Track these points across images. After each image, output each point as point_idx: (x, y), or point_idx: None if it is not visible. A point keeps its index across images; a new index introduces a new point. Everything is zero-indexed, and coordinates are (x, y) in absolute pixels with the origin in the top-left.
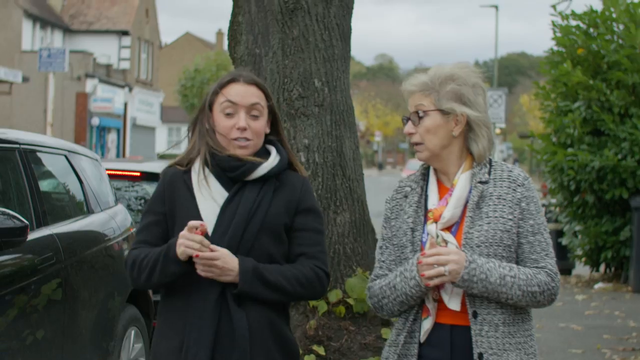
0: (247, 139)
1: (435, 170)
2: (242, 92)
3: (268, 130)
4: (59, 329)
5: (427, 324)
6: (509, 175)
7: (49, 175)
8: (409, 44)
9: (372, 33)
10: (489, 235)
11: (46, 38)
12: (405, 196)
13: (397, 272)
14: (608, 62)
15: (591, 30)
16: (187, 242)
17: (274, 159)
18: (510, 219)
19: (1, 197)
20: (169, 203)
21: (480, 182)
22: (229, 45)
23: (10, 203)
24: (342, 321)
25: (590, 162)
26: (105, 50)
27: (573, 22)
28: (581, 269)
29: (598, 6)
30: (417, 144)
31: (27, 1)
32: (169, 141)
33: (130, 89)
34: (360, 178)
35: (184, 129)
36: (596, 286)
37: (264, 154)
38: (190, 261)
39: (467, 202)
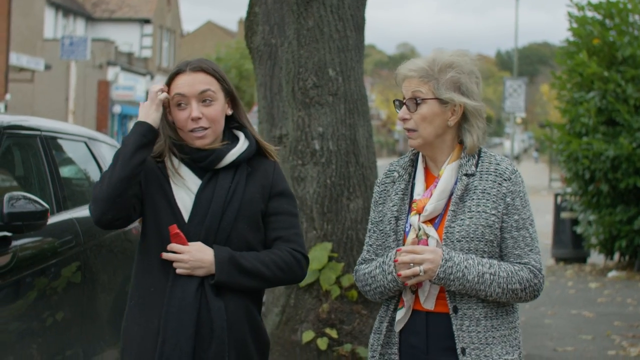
0: (204, 128)
1: (424, 157)
2: (189, 82)
3: (230, 112)
4: (78, 311)
5: (400, 314)
6: (496, 169)
7: (69, 161)
8: (429, 33)
9: (393, 22)
10: (470, 230)
11: (68, 26)
12: (393, 182)
13: (378, 263)
14: (624, 54)
15: (607, 21)
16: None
17: (242, 145)
18: (493, 214)
19: (23, 182)
20: (145, 186)
21: (466, 175)
22: (246, 35)
23: (31, 188)
24: (354, 305)
25: (605, 150)
26: (127, 38)
27: (589, 13)
28: (596, 257)
29: None
30: (410, 130)
31: None
32: None
33: (152, 77)
34: (373, 165)
35: None
36: (610, 274)
37: (232, 139)
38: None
39: (452, 194)
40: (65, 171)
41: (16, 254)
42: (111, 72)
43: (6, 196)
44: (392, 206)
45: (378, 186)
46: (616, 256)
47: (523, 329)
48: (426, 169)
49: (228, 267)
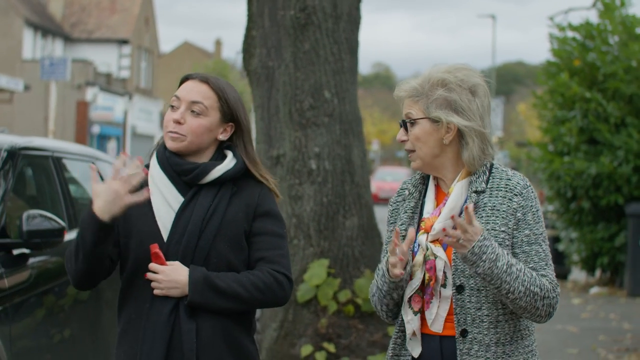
0: (180, 134)
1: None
2: (188, 88)
3: (223, 138)
4: (86, 327)
5: (411, 342)
6: (507, 184)
7: (77, 180)
8: (405, 52)
9: (368, 41)
10: None
11: (47, 46)
12: (404, 200)
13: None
14: (604, 73)
15: (587, 42)
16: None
17: (229, 162)
18: (503, 231)
19: (38, 201)
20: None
21: (476, 192)
22: (244, 58)
23: (45, 206)
24: (351, 320)
25: (587, 169)
26: (105, 58)
27: (570, 34)
28: (577, 274)
29: (594, 19)
30: (409, 151)
31: (28, 10)
32: None
33: (130, 97)
34: (367, 184)
35: None
36: (592, 291)
37: (220, 158)
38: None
39: (461, 212)
40: (74, 190)
41: (34, 270)
42: (90, 93)
43: (25, 214)
44: (401, 225)
45: (391, 205)
46: (597, 273)
47: None
48: (437, 187)
49: (202, 287)
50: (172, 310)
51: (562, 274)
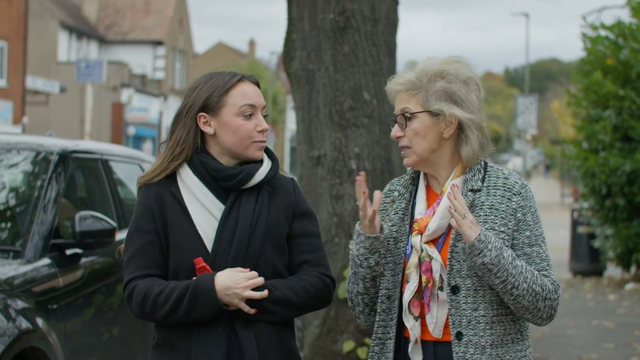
0: (264, 141)
1: (425, 174)
2: (257, 93)
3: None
4: (135, 325)
5: (413, 350)
6: (504, 183)
7: (125, 182)
8: (436, 50)
9: (400, 40)
10: None
11: (82, 49)
12: (393, 201)
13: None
14: (638, 71)
15: (620, 40)
16: (246, 293)
17: (268, 163)
18: (502, 231)
19: (88, 202)
20: (159, 219)
21: (472, 191)
22: (284, 60)
23: (96, 207)
24: None
25: (621, 165)
26: (140, 60)
27: (603, 33)
28: (613, 271)
29: (626, 18)
30: (405, 147)
31: (63, 12)
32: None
33: (165, 98)
34: None
35: None
36: (627, 287)
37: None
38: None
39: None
40: (122, 191)
41: (86, 270)
42: (125, 94)
43: (77, 216)
44: (392, 226)
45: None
46: (633, 269)
47: (547, 339)
48: (428, 187)
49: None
50: (227, 319)
51: (597, 271)
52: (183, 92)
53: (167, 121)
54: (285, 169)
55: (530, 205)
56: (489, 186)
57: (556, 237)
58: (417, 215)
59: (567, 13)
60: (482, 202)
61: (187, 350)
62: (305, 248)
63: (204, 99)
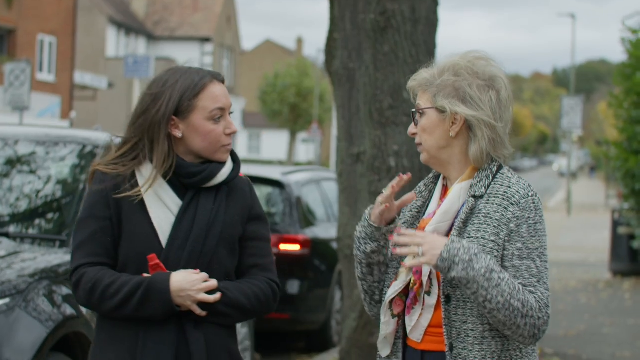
0: (230, 143)
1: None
2: (225, 93)
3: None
4: None
5: (379, 340)
6: (505, 192)
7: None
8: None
9: (448, 40)
10: None
11: (130, 45)
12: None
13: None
14: None
15: None
16: (200, 296)
17: (230, 164)
18: (492, 240)
19: None
20: (115, 207)
21: (474, 197)
22: (326, 59)
23: None
24: None
25: None
26: (188, 56)
27: None
28: None
29: None
30: (418, 144)
31: (112, 8)
32: (249, 146)
33: None
34: None
35: (265, 134)
36: None
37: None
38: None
39: (457, 216)
40: None
41: None
42: None
43: None
44: (403, 223)
45: None
46: None
47: (583, 337)
48: (444, 187)
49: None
50: (177, 319)
51: (637, 271)
52: (147, 90)
53: None
54: (331, 165)
55: (528, 217)
56: (490, 194)
57: (599, 237)
58: (426, 215)
59: (614, 14)
60: (479, 210)
61: (133, 347)
62: (257, 252)
63: (176, 104)
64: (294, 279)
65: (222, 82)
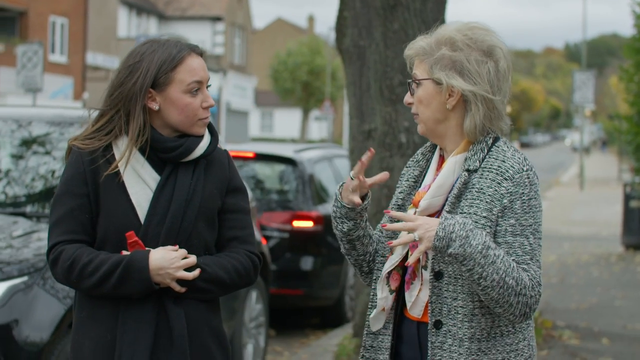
0: (208, 117)
1: None
2: (203, 66)
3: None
4: None
5: (373, 314)
6: (499, 166)
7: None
8: (495, 26)
9: (457, 15)
10: None
11: (141, 25)
12: (411, 166)
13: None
14: None
15: None
16: (179, 273)
17: (208, 138)
18: (484, 216)
19: None
20: (92, 184)
21: (468, 170)
22: (337, 37)
23: None
24: None
25: None
26: (199, 36)
27: None
28: None
29: None
30: (414, 114)
31: None
32: (262, 125)
33: (225, 74)
34: None
35: (277, 112)
36: None
37: None
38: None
39: (451, 190)
40: None
41: None
42: None
43: None
44: (399, 193)
45: (405, 169)
46: None
47: (595, 310)
48: (441, 158)
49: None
50: (157, 296)
51: None
52: (124, 62)
53: (226, 97)
54: (344, 143)
55: (522, 192)
56: (484, 167)
57: (611, 211)
58: (422, 187)
59: None
60: (473, 185)
61: (114, 325)
62: (236, 224)
63: (153, 77)
64: (308, 256)
65: (201, 54)
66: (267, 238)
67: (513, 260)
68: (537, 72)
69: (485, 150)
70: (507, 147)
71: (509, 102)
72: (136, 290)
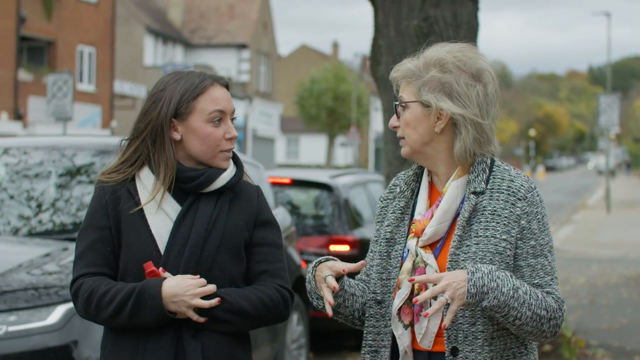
0: (231, 149)
1: (429, 170)
2: (227, 97)
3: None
4: None
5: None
6: (509, 186)
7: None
8: (518, 50)
9: (481, 40)
10: (477, 257)
11: (167, 53)
12: (395, 197)
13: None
14: None
15: None
16: (194, 301)
17: (232, 169)
18: (504, 239)
19: None
20: (113, 216)
21: (474, 193)
22: (371, 65)
23: None
24: None
25: None
26: (225, 63)
27: None
28: None
29: None
30: (400, 138)
31: (149, 17)
32: (288, 151)
33: (251, 101)
34: None
35: (303, 139)
36: None
37: None
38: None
39: (457, 214)
40: None
41: None
42: None
43: None
44: (387, 226)
45: (380, 202)
46: None
47: (626, 330)
48: (431, 184)
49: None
50: (176, 328)
51: None
52: (150, 92)
53: (252, 123)
54: (370, 168)
55: (536, 212)
56: (492, 189)
57: (639, 233)
58: (417, 215)
59: None
60: (484, 207)
61: (134, 357)
62: (265, 258)
63: (175, 106)
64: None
65: (226, 86)
66: (305, 262)
67: (537, 283)
68: (561, 96)
69: (487, 171)
70: (508, 166)
71: (533, 126)
72: (150, 319)
